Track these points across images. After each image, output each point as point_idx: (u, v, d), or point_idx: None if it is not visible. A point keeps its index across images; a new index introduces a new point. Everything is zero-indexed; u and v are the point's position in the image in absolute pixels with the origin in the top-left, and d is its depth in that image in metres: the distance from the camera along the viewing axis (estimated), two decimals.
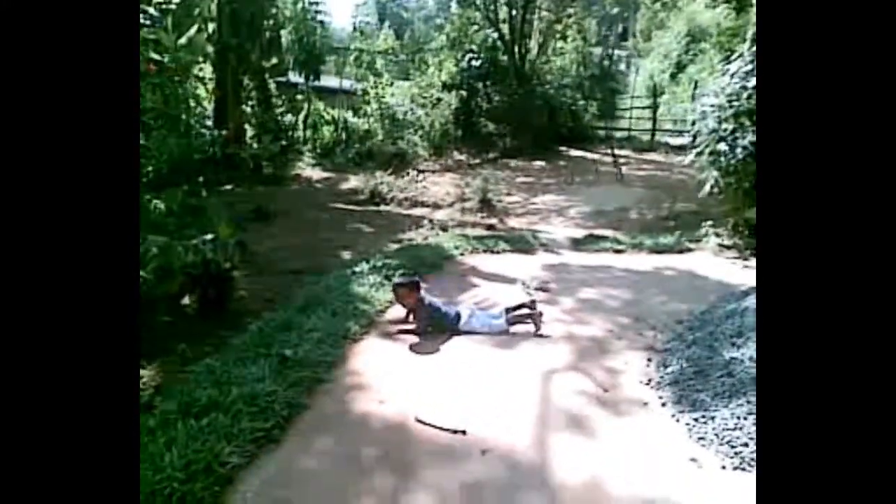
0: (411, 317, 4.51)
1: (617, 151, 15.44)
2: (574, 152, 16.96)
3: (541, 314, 4.47)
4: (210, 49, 12.78)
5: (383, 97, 15.88)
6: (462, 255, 6.70)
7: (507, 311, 4.51)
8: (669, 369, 3.70)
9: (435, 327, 4.39)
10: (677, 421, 3.15)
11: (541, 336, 4.34)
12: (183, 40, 4.62)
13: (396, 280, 4.55)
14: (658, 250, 7.02)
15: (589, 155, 16.64)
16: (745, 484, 2.63)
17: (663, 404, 3.34)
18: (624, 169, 13.83)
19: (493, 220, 9.08)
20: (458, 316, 4.41)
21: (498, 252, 6.88)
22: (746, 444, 2.81)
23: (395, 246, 7.16)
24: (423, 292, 4.50)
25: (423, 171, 13.13)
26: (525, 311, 4.49)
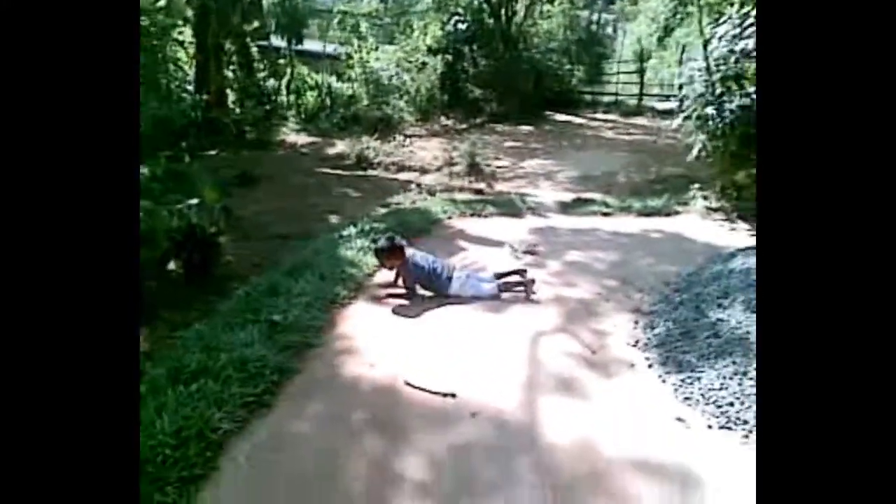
0: (400, 280, 4.50)
1: (604, 116, 15.43)
2: (561, 117, 16.87)
3: (532, 281, 4.46)
4: (189, 12, 12.48)
5: (368, 62, 15.60)
6: (450, 218, 6.68)
7: (497, 276, 4.50)
8: (656, 331, 3.72)
9: (425, 288, 4.38)
10: (664, 382, 3.18)
11: (530, 301, 4.34)
12: (161, 2, 4.50)
13: (378, 244, 4.52)
14: (646, 213, 7.01)
15: (576, 119, 16.55)
16: (731, 442, 2.67)
17: (650, 366, 3.37)
18: (611, 133, 13.79)
19: (481, 185, 9.02)
20: (449, 279, 4.38)
21: (486, 216, 6.87)
22: (731, 404, 2.85)
23: (383, 210, 7.11)
24: (410, 251, 4.48)
25: (409, 136, 12.99)
26: (516, 278, 4.48)
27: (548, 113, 17.06)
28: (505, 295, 4.39)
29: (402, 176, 9.70)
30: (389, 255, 4.45)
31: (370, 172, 10.02)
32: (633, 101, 18.79)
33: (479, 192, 8.58)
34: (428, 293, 4.42)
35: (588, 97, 19.61)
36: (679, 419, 2.85)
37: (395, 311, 4.17)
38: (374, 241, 4.75)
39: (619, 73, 20.19)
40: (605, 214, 7.06)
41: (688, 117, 7.26)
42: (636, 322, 3.95)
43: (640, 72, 19.02)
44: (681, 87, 8.05)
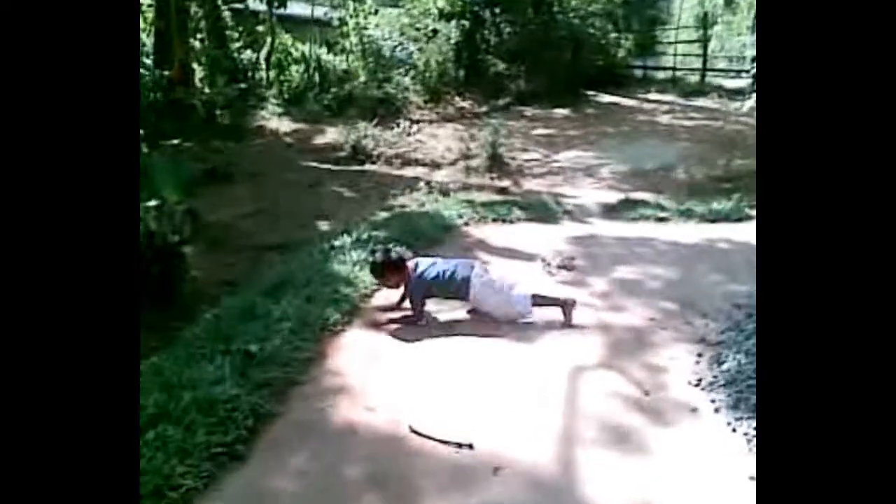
0: (406, 301, 4.50)
1: (659, 96, 15.37)
2: (605, 98, 16.87)
3: (574, 303, 4.46)
4: None
5: (366, 29, 15.67)
6: (467, 224, 6.70)
7: (534, 297, 4.50)
8: (725, 366, 3.70)
9: (445, 297, 4.43)
10: (734, 430, 3.17)
11: (569, 326, 4.35)
12: None
13: (374, 257, 4.53)
14: (711, 219, 7.01)
15: (624, 101, 16.54)
16: None
17: (717, 410, 3.35)
18: (667, 118, 13.75)
19: (506, 182, 9.07)
20: (466, 280, 4.39)
21: (512, 221, 6.89)
22: None
23: (384, 214, 7.14)
24: (413, 262, 4.50)
25: (417, 122, 13.07)
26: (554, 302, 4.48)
27: (588, 93, 17.08)
28: (536, 314, 4.41)
29: (409, 171, 9.77)
30: (388, 271, 4.47)
31: (369, 167, 10.07)
32: (694, 78, 18.80)
33: (503, 191, 8.63)
34: (442, 315, 4.44)
35: (639, 73, 19.64)
36: (753, 478, 2.81)
37: (398, 339, 4.18)
38: (373, 252, 4.77)
39: (676, 42, 20.23)
40: (661, 220, 7.07)
41: None
42: (699, 355, 3.93)
43: (704, 41, 19.04)
44: (753, 59, 8.04)
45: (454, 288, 4.39)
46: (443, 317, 4.50)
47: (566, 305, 4.42)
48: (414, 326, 4.35)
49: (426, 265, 4.45)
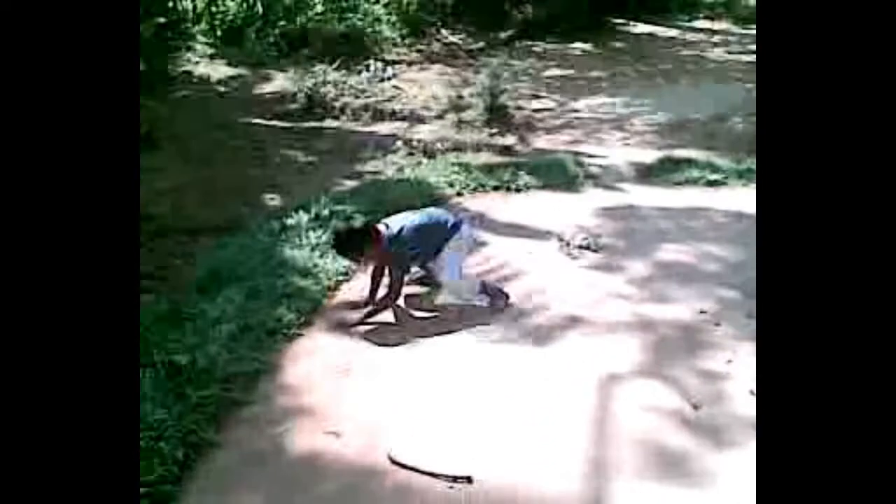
0: (384, 278, 4.55)
1: (708, 24, 15.30)
2: (638, 27, 16.82)
3: (507, 297, 4.66)
4: None
5: None
6: (460, 195, 6.72)
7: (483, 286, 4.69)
8: None
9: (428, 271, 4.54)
10: None
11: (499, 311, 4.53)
12: None
13: (341, 228, 4.65)
14: None
15: (663, 30, 16.52)
16: None
17: None
18: (719, 51, 13.70)
19: (510, 140, 9.04)
20: (455, 226, 4.57)
21: (518, 189, 6.91)
22: None
23: (352, 183, 7.16)
24: (383, 224, 4.52)
25: (392, 63, 12.99)
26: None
27: (616, 21, 17.04)
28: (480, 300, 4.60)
29: (382, 128, 9.74)
30: (354, 243, 4.53)
31: (330, 123, 10.02)
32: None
33: (506, 150, 8.61)
34: (432, 310, 4.54)
35: None
36: None
37: (372, 342, 4.20)
38: (336, 233, 4.80)
39: None
40: (714, 184, 7.09)
41: None
42: None
43: None
44: None
45: (439, 239, 4.52)
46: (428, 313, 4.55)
47: (496, 297, 4.63)
48: (394, 327, 4.37)
49: (398, 225, 4.47)
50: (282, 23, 14.52)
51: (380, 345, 4.21)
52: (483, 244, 5.58)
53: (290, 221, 5.66)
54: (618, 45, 15.27)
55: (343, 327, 4.40)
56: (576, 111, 10.57)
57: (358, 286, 4.81)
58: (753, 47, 14.36)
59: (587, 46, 14.98)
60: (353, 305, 4.64)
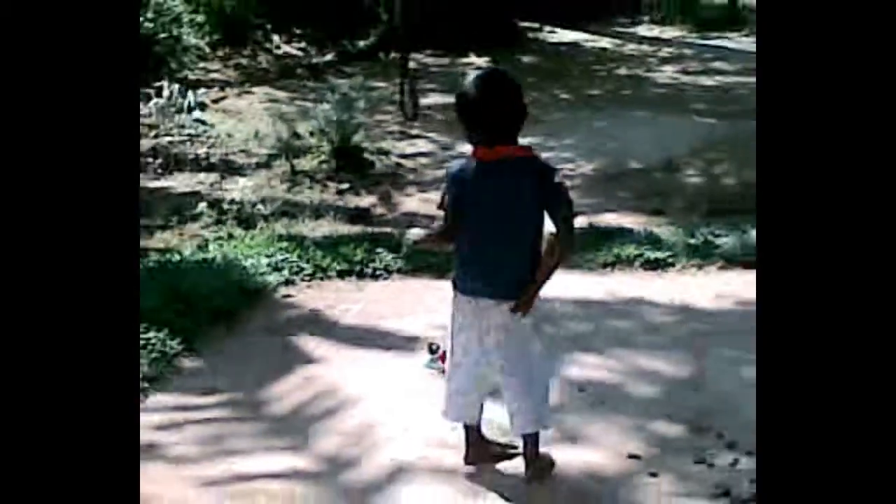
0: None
1: (655, 31, 14.99)
2: (557, 34, 16.76)
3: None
4: None
5: None
6: (291, 283, 6.37)
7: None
8: None
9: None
10: None
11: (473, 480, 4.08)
12: None
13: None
14: (746, 261, 6.50)
15: (592, 40, 16.41)
16: None
17: None
18: (670, 71, 13.67)
19: (367, 200, 8.73)
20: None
21: (376, 276, 6.59)
22: None
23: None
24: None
25: (199, 86, 12.29)
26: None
27: (526, 25, 16.86)
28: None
29: (179, 182, 9.27)
30: None
31: None
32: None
33: (361, 216, 8.32)
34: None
35: None
36: None
37: None
38: None
39: None
40: (655, 265, 6.65)
41: None
42: None
43: None
44: None
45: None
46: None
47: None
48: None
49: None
50: None
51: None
52: (312, 361, 5.28)
53: None
54: (528, 59, 15.21)
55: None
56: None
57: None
58: (718, 64, 14.19)
59: (484, 62, 14.36)
60: None
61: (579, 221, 7.40)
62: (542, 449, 3.94)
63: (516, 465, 3.99)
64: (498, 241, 3.83)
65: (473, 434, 3.97)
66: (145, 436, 4.11)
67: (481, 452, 3.99)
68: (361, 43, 14.97)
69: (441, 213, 3.94)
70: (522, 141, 4.06)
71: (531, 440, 3.91)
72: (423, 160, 9.98)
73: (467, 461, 3.97)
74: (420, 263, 6.54)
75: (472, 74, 4.07)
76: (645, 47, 16.05)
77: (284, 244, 6.88)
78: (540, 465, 3.92)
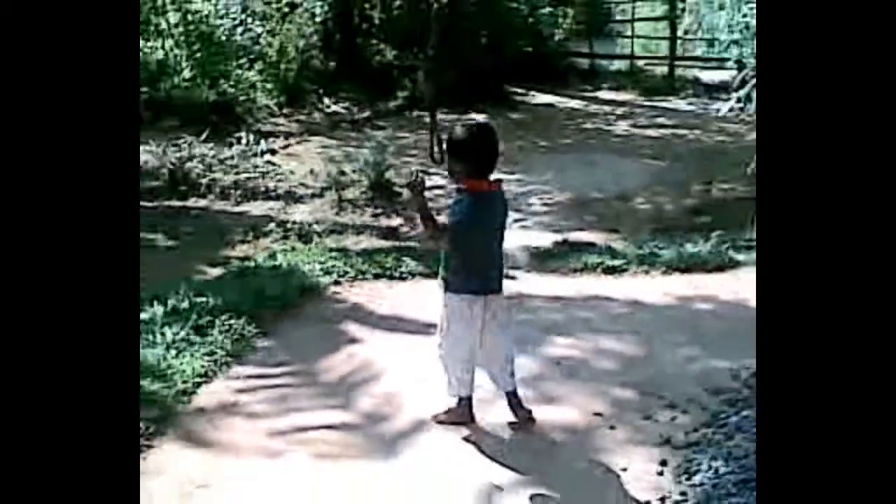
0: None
1: (612, 95, 15.55)
2: (537, 97, 17.06)
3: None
4: None
5: (190, 2, 15.49)
6: (338, 283, 6.75)
7: None
8: (697, 478, 3.76)
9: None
10: None
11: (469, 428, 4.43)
12: None
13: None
14: (682, 267, 7.16)
15: (564, 101, 16.76)
16: None
17: None
18: (624, 125, 14.01)
19: (395, 221, 9.17)
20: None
21: (403, 277, 6.97)
22: None
23: (215, 272, 7.12)
24: None
25: (267, 136, 13.00)
26: None
27: (514, 90, 17.39)
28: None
29: (254, 208, 9.77)
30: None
31: (195, 202, 9.87)
32: (660, 70, 19.36)
33: (391, 233, 8.68)
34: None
35: (583, 63, 20.02)
36: None
37: (230, 454, 4.14)
38: (201, 328, 4.95)
39: (634, 20, 20.81)
40: (613, 271, 7.20)
41: (752, 98, 7.43)
42: (663, 464, 4.00)
43: (672, 19, 19.70)
44: (738, 43, 8.25)
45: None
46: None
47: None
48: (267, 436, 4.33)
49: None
50: (144, 89, 14.36)
51: (239, 458, 4.15)
52: (357, 341, 5.63)
53: (142, 315, 5.51)
54: (514, 116, 15.74)
55: (197, 443, 4.32)
56: None
57: (220, 388, 4.78)
58: (661, 120, 14.83)
59: (481, 118, 15.19)
60: (220, 409, 4.60)
61: (557, 237, 8.15)
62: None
63: (503, 421, 4.43)
64: (488, 252, 4.33)
65: (470, 401, 4.44)
66: (229, 397, 4.68)
67: (474, 414, 4.45)
68: (391, 104, 15.64)
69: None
70: (510, 178, 4.43)
71: (513, 395, 4.41)
72: (437, 192, 10.57)
73: (469, 420, 4.42)
74: (436, 269, 6.79)
75: (460, 126, 4.64)
76: (605, 107, 16.51)
77: (333, 254, 7.48)
78: (522, 414, 4.40)
